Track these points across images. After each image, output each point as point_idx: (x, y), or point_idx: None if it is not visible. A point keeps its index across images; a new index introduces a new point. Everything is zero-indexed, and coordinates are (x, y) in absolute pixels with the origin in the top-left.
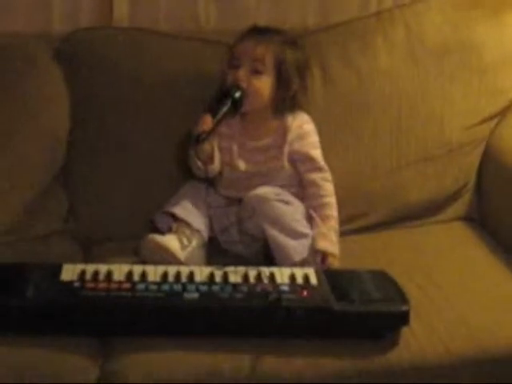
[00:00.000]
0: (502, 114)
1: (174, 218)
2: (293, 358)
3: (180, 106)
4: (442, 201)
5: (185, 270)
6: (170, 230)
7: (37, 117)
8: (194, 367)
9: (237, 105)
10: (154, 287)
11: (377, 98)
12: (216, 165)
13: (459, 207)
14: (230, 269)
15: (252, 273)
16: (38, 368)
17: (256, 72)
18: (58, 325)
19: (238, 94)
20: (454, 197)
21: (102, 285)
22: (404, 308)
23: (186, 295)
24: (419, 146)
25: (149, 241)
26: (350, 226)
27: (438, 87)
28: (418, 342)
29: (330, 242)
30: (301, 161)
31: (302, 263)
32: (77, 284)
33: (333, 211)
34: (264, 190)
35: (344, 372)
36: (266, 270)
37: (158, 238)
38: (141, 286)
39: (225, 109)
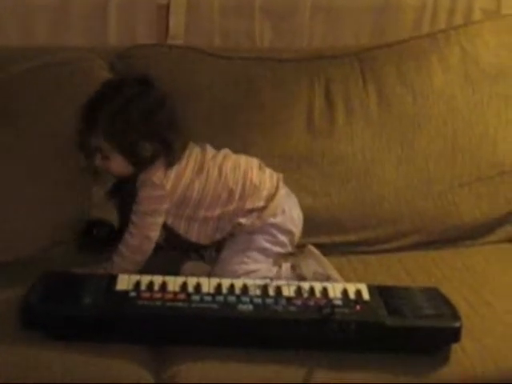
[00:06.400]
0: None
1: None
2: (345, 371)
3: (234, 127)
4: (493, 222)
5: (238, 283)
6: None
7: None
8: (247, 378)
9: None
10: (208, 298)
11: (431, 116)
12: None
13: (510, 229)
14: (282, 283)
15: (305, 287)
16: (94, 375)
17: (104, 158)
18: (114, 333)
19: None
20: (505, 218)
21: (157, 295)
22: (456, 324)
23: (241, 307)
24: (472, 167)
25: (188, 265)
26: (402, 242)
27: (493, 108)
28: (468, 358)
29: None
30: None
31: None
32: (132, 294)
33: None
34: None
35: None
36: (318, 285)
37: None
38: (195, 297)
39: None
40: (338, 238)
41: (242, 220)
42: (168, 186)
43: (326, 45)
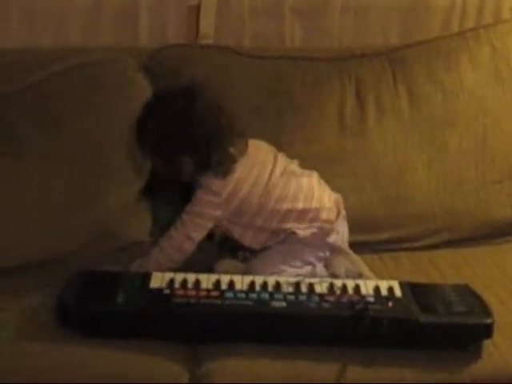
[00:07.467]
0: None
1: None
2: (378, 368)
3: (264, 127)
4: None
5: (271, 280)
6: None
7: (126, 130)
8: (281, 374)
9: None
10: (242, 295)
11: (461, 114)
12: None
13: None
14: (315, 280)
15: (337, 284)
16: (130, 372)
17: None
18: (148, 330)
19: None
20: None
21: (191, 292)
22: (488, 321)
23: (274, 303)
24: (503, 164)
25: (221, 263)
26: (433, 240)
27: None
28: (500, 355)
29: None
30: None
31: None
32: (166, 291)
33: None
34: None
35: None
36: (351, 282)
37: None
38: (229, 294)
39: None
40: (370, 237)
41: (298, 231)
42: (224, 195)
43: (355, 44)
